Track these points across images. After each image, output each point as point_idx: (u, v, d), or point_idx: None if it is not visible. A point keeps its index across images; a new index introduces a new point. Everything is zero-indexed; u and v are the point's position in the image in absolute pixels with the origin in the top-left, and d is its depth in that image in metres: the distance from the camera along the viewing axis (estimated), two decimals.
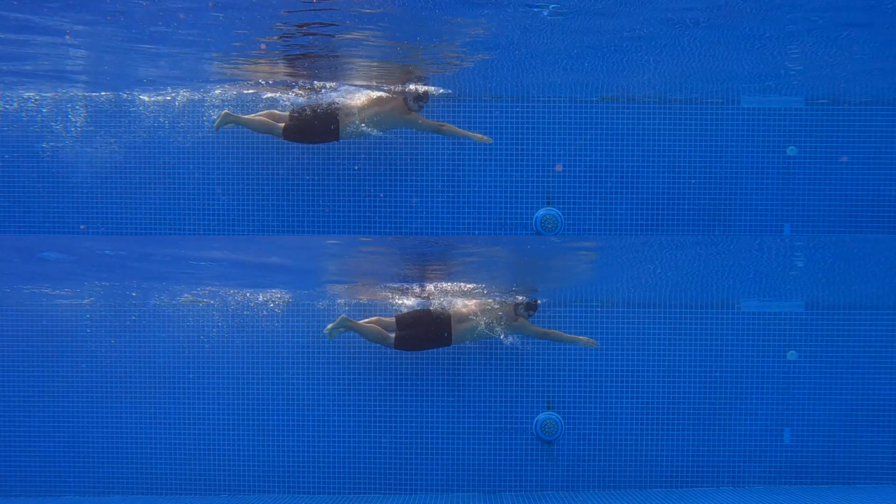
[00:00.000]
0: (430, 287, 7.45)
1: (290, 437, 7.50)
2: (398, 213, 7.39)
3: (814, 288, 7.76)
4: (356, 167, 7.30)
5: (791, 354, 7.50)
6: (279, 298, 7.51)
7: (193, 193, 7.37)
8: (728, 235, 7.39)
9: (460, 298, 7.38)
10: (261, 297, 7.51)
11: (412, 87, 6.86)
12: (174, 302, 7.51)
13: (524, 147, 7.36)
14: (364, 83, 6.91)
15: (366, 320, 7.19)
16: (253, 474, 7.51)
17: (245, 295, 7.52)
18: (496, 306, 7.11)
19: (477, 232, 7.39)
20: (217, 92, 7.17)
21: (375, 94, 6.94)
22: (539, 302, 7.19)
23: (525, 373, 7.48)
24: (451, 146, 7.33)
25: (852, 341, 7.49)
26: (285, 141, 7.00)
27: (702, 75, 6.96)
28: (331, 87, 6.90)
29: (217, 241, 7.46)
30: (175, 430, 7.50)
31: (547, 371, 7.49)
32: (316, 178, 7.38)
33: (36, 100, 7.26)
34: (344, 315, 7.10)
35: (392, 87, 6.92)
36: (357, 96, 6.96)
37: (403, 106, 6.84)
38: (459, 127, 7.04)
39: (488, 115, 7.30)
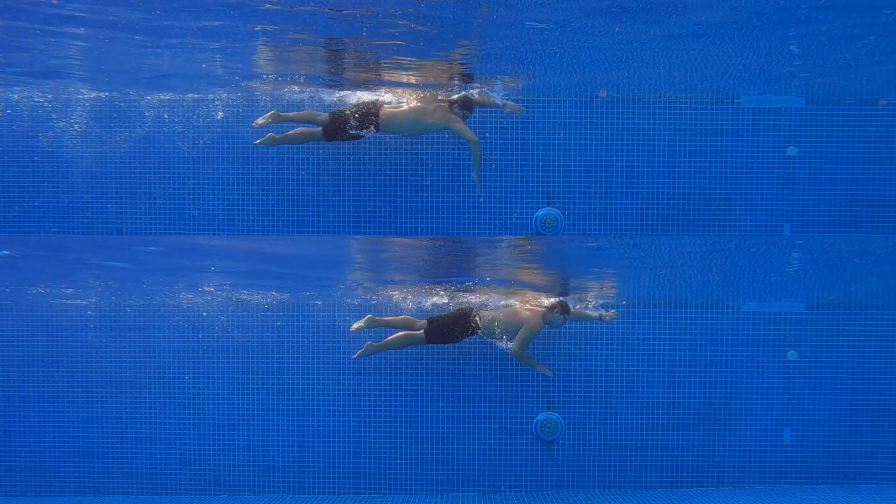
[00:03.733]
0: (446, 289, 7.49)
1: (290, 438, 7.50)
2: (398, 213, 7.39)
3: (814, 288, 7.76)
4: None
5: (791, 354, 7.50)
6: (279, 298, 7.51)
7: (195, 193, 7.37)
8: (728, 235, 7.39)
9: (476, 296, 7.41)
10: (261, 297, 7.51)
11: (457, 94, 6.91)
12: (174, 302, 7.51)
13: (524, 147, 7.35)
14: (409, 80, 6.95)
15: (394, 318, 7.20)
16: (253, 474, 7.51)
17: (245, 295, 7.51)
18: (525, 305, 7.12)
19: (477, 232, 7.38)
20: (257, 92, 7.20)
21: (420, 93, 7.00)
22: (570, 306, 7.19)
23: (525, 373, 7.48)
24: (451, 147, 7.33)
25: (852, 341, 7.49)
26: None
27: (702, 74, 6.96)
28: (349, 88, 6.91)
29: (217, 241, 7.46)
30: (175, 430, 7.50)
31: None
32: (316, 177, 7.38)
33: (56, 98, 7.26)
34: (369, 342, 7.12)
35: (433, 90, 7.01)
36: (399, 94, 7.02)
37: (448, 108, 6.85)
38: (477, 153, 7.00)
39: (489, 115, 7.29)
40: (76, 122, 7.30)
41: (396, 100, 7.05)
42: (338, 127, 6.81)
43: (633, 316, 7.48)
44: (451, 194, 7.37)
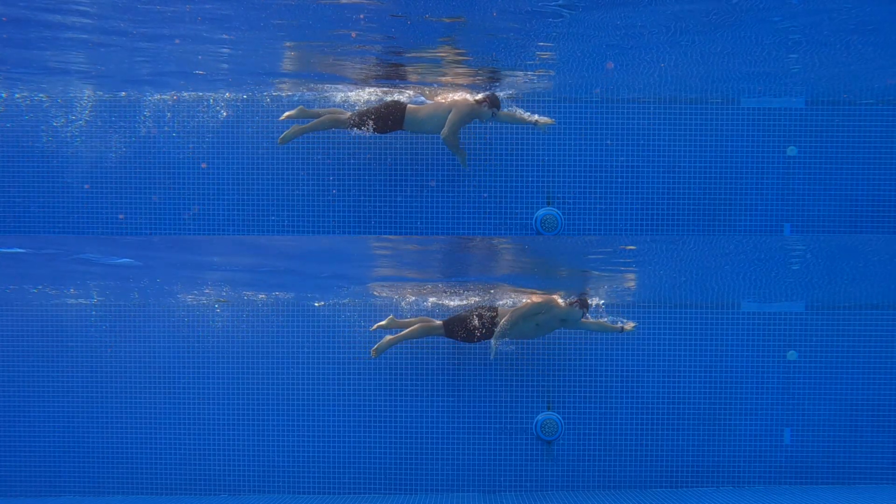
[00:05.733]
0: (450, 288, 7.48)
1: (290, 438, 7.50)
2: (398, 213, 7.39)
3: (814, 288, 7.76)
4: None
5: (791, 354, 7.50)
6: (279, 298, 7.51)
7: (196, 192, 7.38)
8: (728, 235, 7.39)
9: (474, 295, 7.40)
10: (261, 296, 7.51)
11: (484, 94, 6.95)
12: (174, 302, 7.51)
13: (524, 147, 7.36)
14: (430, 80, 7.02)
15: (414, 319, 7.22)
16: (253, 474, 7.51)
17: (245, 295, 7.51)
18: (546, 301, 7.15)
19: (477, 232, 7.39)
20: (284, 87, 7.21)
21: (446, 91, 7.09)
22: (589, 301, 7.22)
23: (525, 373, 7.48)
24: None
25: (852, 341, 7.49)
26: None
27: (702, 75, 6.97)
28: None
29: (217, 241, 7.46)
30: (175, 430, 7.50)
31: (547, 371, 7.49)
32: (316, 177, 7.38)
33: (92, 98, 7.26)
34: (388, 335, 7.14)
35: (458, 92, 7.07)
36: (422, 93, 7.12)
37: (474, 103, 6.90)
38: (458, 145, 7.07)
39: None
40: (78, 121, 7.29)
41: (422, 100, 7.14)
42: (363, 123, 6.89)
43: (632, 316, 7.47)
44: (451, 194, 7.38)
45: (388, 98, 7.10)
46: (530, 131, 7.31)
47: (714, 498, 7.18)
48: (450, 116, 6.83)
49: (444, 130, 6.83)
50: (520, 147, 7.36)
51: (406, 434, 7.50)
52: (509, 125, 7.26)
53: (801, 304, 7.52)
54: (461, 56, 6.57)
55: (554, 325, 7.10)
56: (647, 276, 7.84)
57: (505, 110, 7.05)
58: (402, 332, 7.08)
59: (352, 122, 6.91)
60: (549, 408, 7.50)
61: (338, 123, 6.96)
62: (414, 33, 6.06)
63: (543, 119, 7.08)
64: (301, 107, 7.01)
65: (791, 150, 7.37)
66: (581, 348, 7.47)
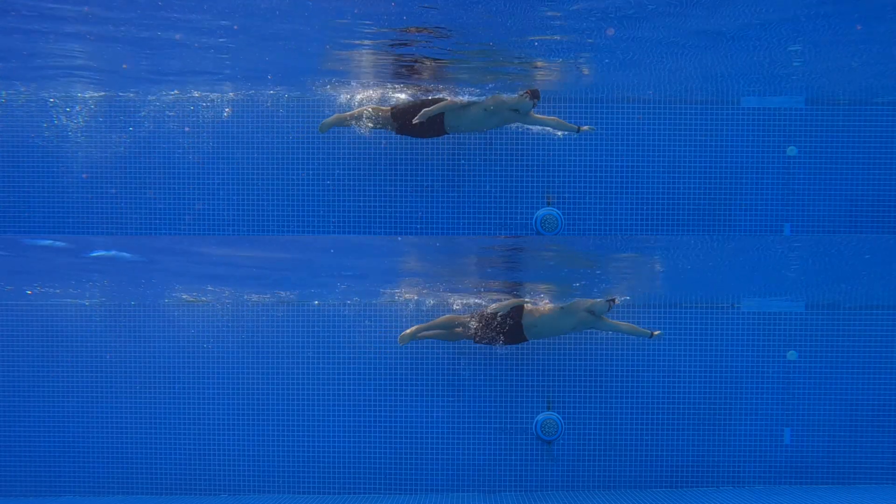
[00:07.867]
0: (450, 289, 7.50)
1: (290, 437, 7.50)
2: (397, 214, 7.39)
3: (814, 288, 7.76)
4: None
5: (791, 354, 7.50)
6: (280, 298, 7.51)
7: (197, 193, 7.38)
8: (728, 235, 7.39)
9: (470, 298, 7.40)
10: (261, 296, 7.51)
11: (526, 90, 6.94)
12: (174, 302, 7.51)
13: (524, 147, 7.36)
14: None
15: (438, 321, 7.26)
16: (253, 474, 7.51)
17: (245, 295, 7.51)
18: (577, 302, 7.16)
19: (477, 232, 7.39)
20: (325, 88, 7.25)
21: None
22: (615, 301, 7.22)
23: (525, 373, 7.49)
24: (451, 146, 7.33)
25: (852, 341, 7.49)
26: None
27: (702, 75, 6.97)
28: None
29: (217, 240, 7.46)
30: (175, 430, 7.50)
31: (547, 371, 7.49)
32: (316, 178, 7.38)
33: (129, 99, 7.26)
34: (416, 326, 7.19)
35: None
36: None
37: (514, 97, 6.88)
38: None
39: None
40: (79, 116, 7.30)
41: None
42: (402, 117, 6.87)
43: (632, 316, 7.48)
44: (451, 194, 7.38)
45: (421, 97, 7.07)
46: (529, 131, 7.30)
47: (714, 498, 7.18)
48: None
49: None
50: (520, 147, 7.36)
51: (406, 434, 7.50)
52: (507, 128, 7.26)
53: (801, 304, 7.52)
54: (461, 54, 6.58)
55: (582, 316, 7.05)
56: (647, 276, 7.84)
57: (540, 114, 7.03)
58: (430, 322, 7.14)
59: (391, 115, 6.88)
60: (549, 408, 7.50)
61: (376, 114, 6.94)
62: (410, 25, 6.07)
63: (585, 126, 7.06)
64: (337, 114, 7.07)
65: (791, 150, 7.37)
66: (581, 348, 7.47)
